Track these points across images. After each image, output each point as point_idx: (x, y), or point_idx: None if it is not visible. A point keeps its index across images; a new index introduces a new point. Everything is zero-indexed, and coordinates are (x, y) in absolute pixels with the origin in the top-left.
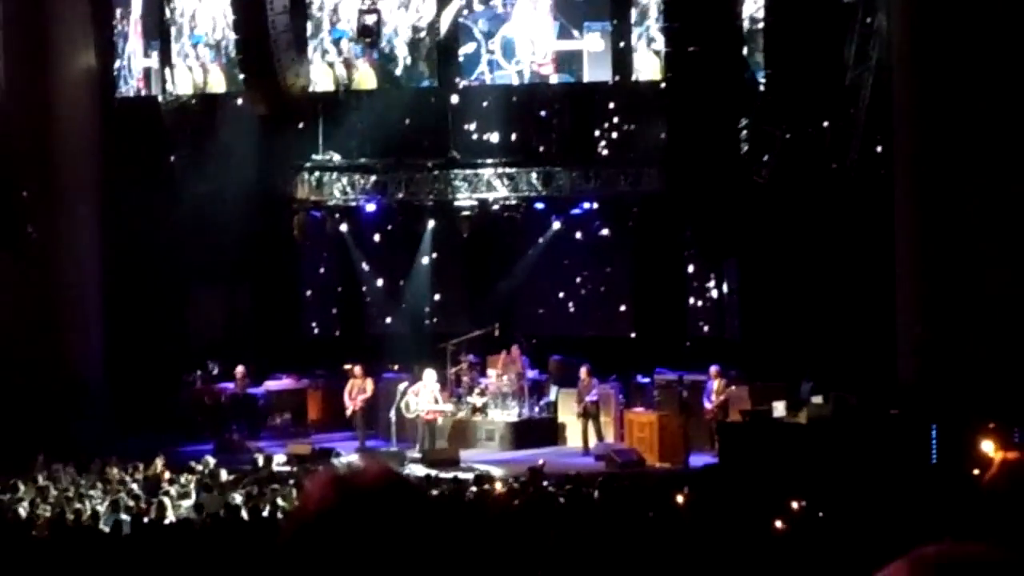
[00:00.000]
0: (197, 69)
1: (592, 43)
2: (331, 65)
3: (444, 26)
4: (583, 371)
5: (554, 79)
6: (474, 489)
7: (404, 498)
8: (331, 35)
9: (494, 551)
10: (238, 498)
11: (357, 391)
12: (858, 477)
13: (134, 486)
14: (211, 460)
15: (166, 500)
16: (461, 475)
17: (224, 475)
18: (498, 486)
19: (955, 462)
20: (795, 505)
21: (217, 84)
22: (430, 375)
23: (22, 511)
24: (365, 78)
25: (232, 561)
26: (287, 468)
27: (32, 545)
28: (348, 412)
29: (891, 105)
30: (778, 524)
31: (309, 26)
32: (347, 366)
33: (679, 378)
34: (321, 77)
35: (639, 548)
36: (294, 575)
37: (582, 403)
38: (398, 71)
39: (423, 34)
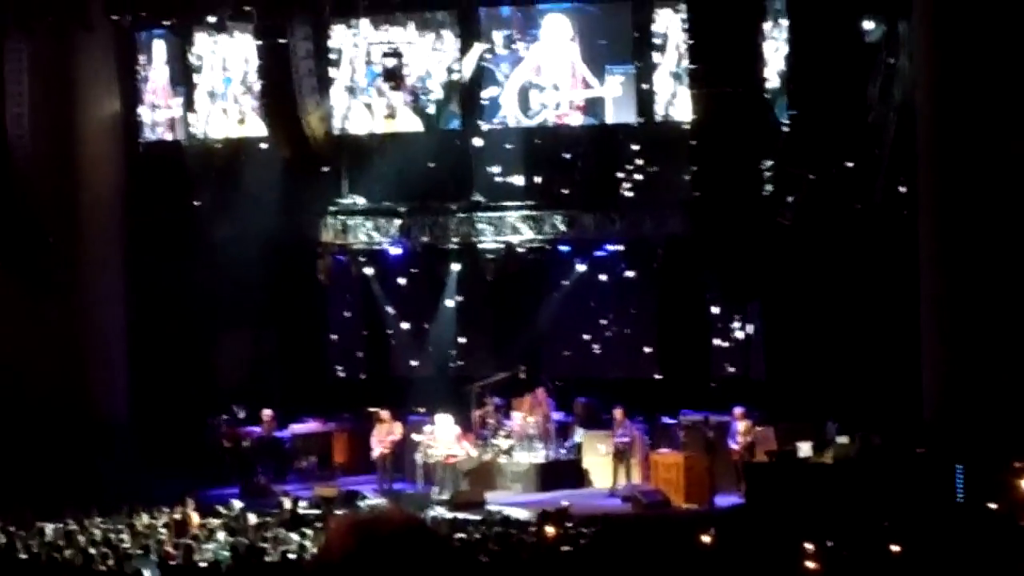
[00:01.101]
0: (234, 112)
1: (612, 89)
2: (368, 107)
3: (467, 70)
4: (617, 412)
5: (578, 120)
6: (499, 530)
7: (423, 544)
8: (366, 77)
9: None
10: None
11: (386, 434)
12: (884, 516)
13: (162, 530)
14: (237, 504)
15: (194, 544)
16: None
17: (252, 519)
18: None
19: (981, 500)
20: (810, 547)
21: (256, 128)
22: (444, 419)
23: (47, 554)
24: (407, 120)
25: None
26: (313, 511)
27: None
28: (375, 455)
29: (915, 145)
30: (806, 564)
31: (342, 68)
32: (372, 410)
33: (704, 419)
34: (359, 119)
35: None
36: None
37: (615, 442)
38: (431, 111)
39: (456, 76)
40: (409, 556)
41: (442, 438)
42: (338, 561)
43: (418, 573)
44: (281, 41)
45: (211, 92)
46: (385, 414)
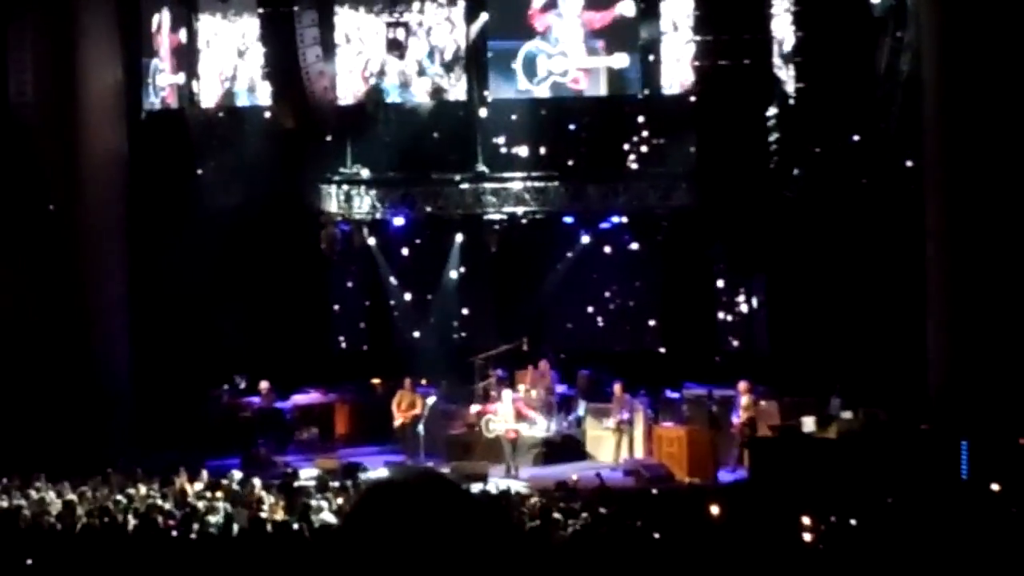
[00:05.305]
0: (237, 81)
1: (618, 60)
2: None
3: (471, 41)
4: (617, 387)
5: (587, 87)
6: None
7: (453, 497)
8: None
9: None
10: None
11: (408, 406)
12: (888, 492)
13: (161, 501)
14: (238, 474)
15: (192, 515)
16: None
17: (253, 489)
18: (533, 500)
19: (986, 478)
20: (808, 522)
21: (259, 97)
22: (508, 395)
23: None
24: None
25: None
26: (312, 483)
27: (65, 554)
28: (396, 424)
29: (921, 119)
30: (808, 539)
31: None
32: (375, 380)
33: (708, 393)
34: (349, 90)
35: (669, 563)
36: (349, 566)
37: (617, 419)
38: (430, 84)
39: (455, 47)
40: (448, 513)
41: (504, 413)
42: (373, 517)
43: (456, 528)
44: (285, 10)
45: (215, 61)
46: (407, 382)
